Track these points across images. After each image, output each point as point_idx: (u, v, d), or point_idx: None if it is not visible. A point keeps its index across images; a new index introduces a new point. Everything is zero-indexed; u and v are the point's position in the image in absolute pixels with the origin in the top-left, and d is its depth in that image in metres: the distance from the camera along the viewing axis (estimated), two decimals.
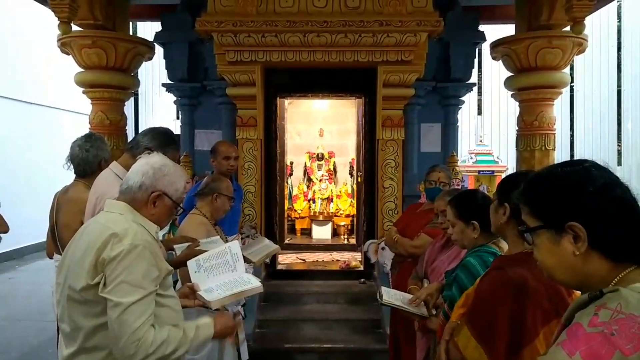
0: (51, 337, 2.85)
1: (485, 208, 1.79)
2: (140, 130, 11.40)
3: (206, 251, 2.14)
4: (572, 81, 11.09)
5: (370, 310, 4.48)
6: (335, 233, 7.38)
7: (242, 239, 3.92)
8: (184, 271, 2.03)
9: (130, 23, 5.66)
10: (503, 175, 7.60)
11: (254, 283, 1.98)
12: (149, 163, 1.71)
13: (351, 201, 7.29)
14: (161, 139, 2.34)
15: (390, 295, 2.29)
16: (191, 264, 2.00)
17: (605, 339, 0.85)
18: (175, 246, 2.37)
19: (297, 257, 6.06)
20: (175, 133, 4.64)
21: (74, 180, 2.92)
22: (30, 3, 4.90)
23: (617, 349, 0.84)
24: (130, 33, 5.76)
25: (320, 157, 7.77)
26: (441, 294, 2.16)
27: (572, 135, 12.73)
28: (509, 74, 4.86)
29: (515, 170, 5.43)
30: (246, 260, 2.63)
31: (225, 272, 2.02)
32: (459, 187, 4.77)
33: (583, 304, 0.97)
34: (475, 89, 6.61)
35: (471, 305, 1.65)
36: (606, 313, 0.88)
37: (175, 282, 2.41)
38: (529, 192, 1.10)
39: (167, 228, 3.84)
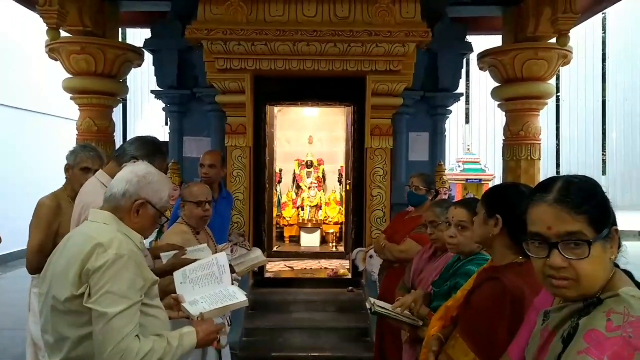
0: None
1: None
2: (128, 137, 11.36)
3: (193, 259, 2.12)
4: (557, 91, 11.25)
5: (358, 319, 4.48)
6: (323, 240, 7.38)
7: (230, 246, 3.90)
8: (164, 281, 2.00)
9: (120, 30, 5.65)
10: (490, 184, 7.68)
11: (239, 297, 1.97)
12: (133, 171, 1.70)
13: (340, 209, 7.31)
14: (148, 147, 2.33)
15: (381, 305, 2.29)
16: (177, 275, 1.99)
17: (625, 342, 0.89)
18: (161, 254, 2.35)
19: (285, 265, 6.05)
20: (163, 140, 4.65)
21: None
22: (23, 9, 4.86)
23: (637, 351, 0.88)
24: (120, 39, 5.76)
25: (309, 165, 7.78)
26: (426, 301, 2.16)
27: (557, 145, 12.91)
28: (496, 83, 4.93)
29: (502, 179, 5.49)
30: (231, 269, 2.61)
31: (210, 283, 2.00)
32: (446, 195, 4.82)
33: (578, 311, 1.00)
34: (463, 98, 6.68)
35: (467, 318, 1.65)
36: (617, 317, 0.92)
37: None
38: (584, 198, 1.03)
39: (154, 235, 3.82)
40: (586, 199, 1.03)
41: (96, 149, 2.87)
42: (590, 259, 1.00)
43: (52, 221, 2.65)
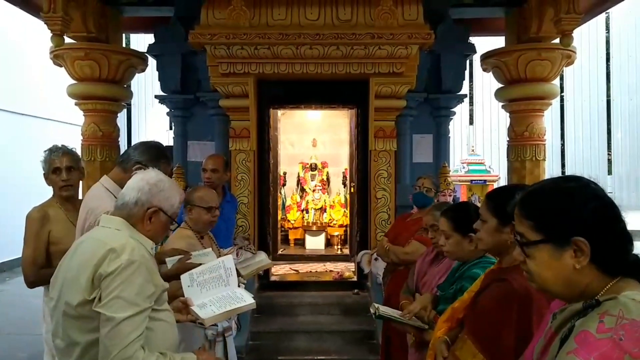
0: (40, 350, 2.80)
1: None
2: (133, 142, 11.37)
3: (198, 264, 2.13)
4: (562, 91, 11.22)
5: (364, 321, 4.47)
6: (328, 243, 7.38)
7: (235, 250, 3.90)
8: (174, 285, 2.01)
9: (124, 35, 5.68)
10: (495, 185, 7.64)
11: (247, 300, 1.98)
12: (145, 179, 1.71)
13: (344, 211, 7.30)
14: (152, 152, 2.32)
15: (385, 310, 2.28)
16: (184, 277, 1.99)
17: (615, 344, 0.89)
18: (166, 259, 2.35)
19: (291, 268, 6.05)
20: (168, 144, 4.67)
21: None
22: (25, 15, 4.90)
23: (626, 353, 0.88)
24: (123, 45, 5.79)
25: (313, 167, 7.78)
26: (433, 304, 2.16)
27: (562, 145, 12.86)
28: (500, 85, 4.91)
29: (507, 180, 5.47)
30: (237, 273, 2.61)
31: (218, 286, 2.01)
32: (451, 197, 4.81)
33: (577, 313, 1.00)
34: (466, 99, 6.66)
35: (475, 319, 1.64)
36: (611, 319, 0.92)
37: None
38: (532, 206, 1.10)
39: None
40: (534, 206, 1.10)
41: (63, 147, 2.79)
42: (535, 260, 1.07)
43: (38, 232, 2.63)
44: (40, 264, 2.62)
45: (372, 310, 2.19)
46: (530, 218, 1.08)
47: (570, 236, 1.02)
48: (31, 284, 2.67)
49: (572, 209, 1.04)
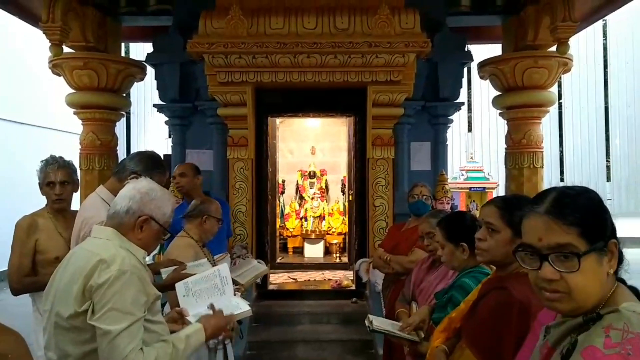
0: None
1: (474, 230, 1.76)
2: (131, 151, 11.34)
3: (193, 274, 2.12)
4: (560, 99, 11.24)
5: (362, 331, 4.39)
6: (327, 251, 7.36)
7: (232, 259, 3.89)
8: (173, 295, 2.02)
9: (122, 44, 5.70)
10: (494, 192, 7.63)
11: (243, 308, 1.98)
12: (136, 187, 1.71)
13: (343, 219, 7.29)
14: (147, 162, 2.34)
15: (380, 322, 2.27)
16: (180, 287, 1.99)
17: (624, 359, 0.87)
18: (161, 270, 2.35)
19: (289, 277, 6.03)
20: (166, 153, 4.66)
21: None
22: (24, 24, 4.92)
23: None
24: (122, 54, 5.80)
25: (312, 175, 7.78)
26: (431, 315, 2.14)
27: (561, 152, 12.86)
28: (497, 92, 4.93)
29: (505, 187, 5.46)
30: (235, 282, 2.61)
31: (214, 295, 2.00)
32: (449, 205, 4.80)
33: (577, 327, 0.98)
34: (465, 107, 6.67)
35: (473, 328, 1.63)
36: (617, 334, 0.90)
37: (163, 305, 2.40)
38: (578, 212, 1.00)
39: (156, 249, 3.80)
40: (578, 211, 1.00)
41: (59, 160, 2.77)
42: (582, 272, 0.96)
43: (25, 240, 2.64)
44: (24, 272, 2.62)
45: (366, 324, 2.18)
46: (576, 224, 0.98)
47: (609, 240, 0.99)
48: (14, 290, 2.67)
49: (607, 212, 1.03)
